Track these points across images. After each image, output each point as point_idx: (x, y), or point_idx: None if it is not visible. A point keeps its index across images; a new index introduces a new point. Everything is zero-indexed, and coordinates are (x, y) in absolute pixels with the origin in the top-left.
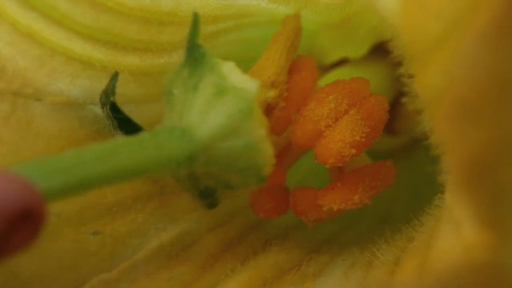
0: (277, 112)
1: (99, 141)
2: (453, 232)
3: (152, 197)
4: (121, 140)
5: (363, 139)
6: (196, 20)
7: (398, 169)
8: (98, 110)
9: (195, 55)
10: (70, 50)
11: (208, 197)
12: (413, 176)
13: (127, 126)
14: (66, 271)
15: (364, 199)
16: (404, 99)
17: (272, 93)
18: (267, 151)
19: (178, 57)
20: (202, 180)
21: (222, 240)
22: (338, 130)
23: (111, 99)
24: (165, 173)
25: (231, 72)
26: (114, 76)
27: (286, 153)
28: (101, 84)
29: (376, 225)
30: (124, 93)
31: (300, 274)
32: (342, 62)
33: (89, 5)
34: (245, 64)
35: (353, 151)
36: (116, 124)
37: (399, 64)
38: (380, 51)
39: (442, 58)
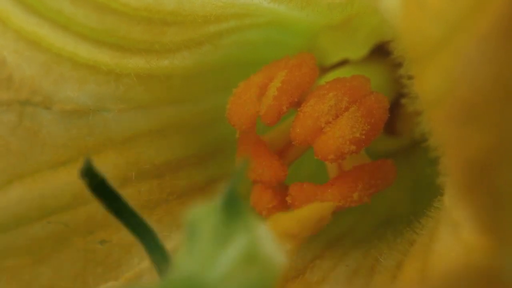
0: (269, 101)
1: (108, 149)
2: (452, 234)
3: (159, 204)
4: None
5: (363, 136)
6: (243, 170)
7: (398, 171)
8: (108, 115)
9: (233, 208)
10: (76, 55)
11: None
12: (414, 178)
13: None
14: (75, 280)
15: (364, 197)
16: (403, 100)
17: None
18: None
19: (181, 58)
20: None
21: None
22: (338, 127)
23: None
24: None
25: (265, 237)
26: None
27: (287, 151)
28: (109, 88)
29: (378, 228)
30: (132, 97)
31: (305, 282)
32: (342, 63)
33: (93, 7)
34: (246, 68)
35: (353, 147)
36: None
37: (399, 65)
38: (380, 52)
39: (443, 60)
